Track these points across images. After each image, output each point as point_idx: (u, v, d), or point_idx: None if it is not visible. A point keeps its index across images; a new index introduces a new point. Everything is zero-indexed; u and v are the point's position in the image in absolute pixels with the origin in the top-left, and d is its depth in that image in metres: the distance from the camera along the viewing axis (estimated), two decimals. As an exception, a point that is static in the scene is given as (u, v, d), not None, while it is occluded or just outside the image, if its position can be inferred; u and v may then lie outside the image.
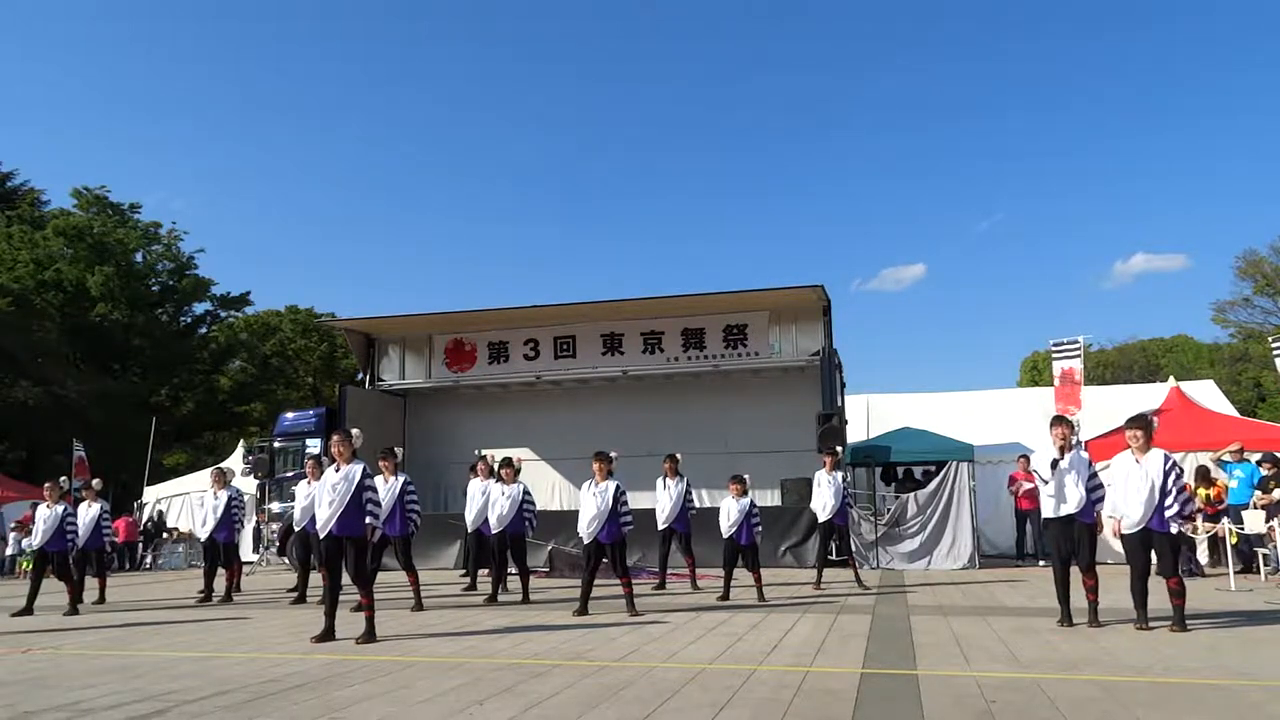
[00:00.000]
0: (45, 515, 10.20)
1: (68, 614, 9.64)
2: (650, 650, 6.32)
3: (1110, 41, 77.71)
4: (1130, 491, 6.84)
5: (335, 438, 7.25)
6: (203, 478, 18.44)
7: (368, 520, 7.03)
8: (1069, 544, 7.13)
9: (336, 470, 7.05)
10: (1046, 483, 7.15)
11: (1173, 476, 6.71)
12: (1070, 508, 7.02)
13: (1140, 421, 7.04)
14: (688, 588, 10.81)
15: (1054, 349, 15.04)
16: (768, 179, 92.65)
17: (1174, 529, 6.74)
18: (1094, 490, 7.03)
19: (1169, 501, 6.69)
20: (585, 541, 8.52)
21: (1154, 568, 6.93)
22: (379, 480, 8.68)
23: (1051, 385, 16.17)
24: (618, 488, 8.46)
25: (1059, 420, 7.26)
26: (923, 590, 10.22)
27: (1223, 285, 76.67)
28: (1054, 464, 7.07)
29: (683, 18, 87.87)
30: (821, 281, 14.95)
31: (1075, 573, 7.17)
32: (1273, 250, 38.88)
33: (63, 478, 11.22)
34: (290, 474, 16.21)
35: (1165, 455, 6.84)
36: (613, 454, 8.78)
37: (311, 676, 5.57)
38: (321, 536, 7.09)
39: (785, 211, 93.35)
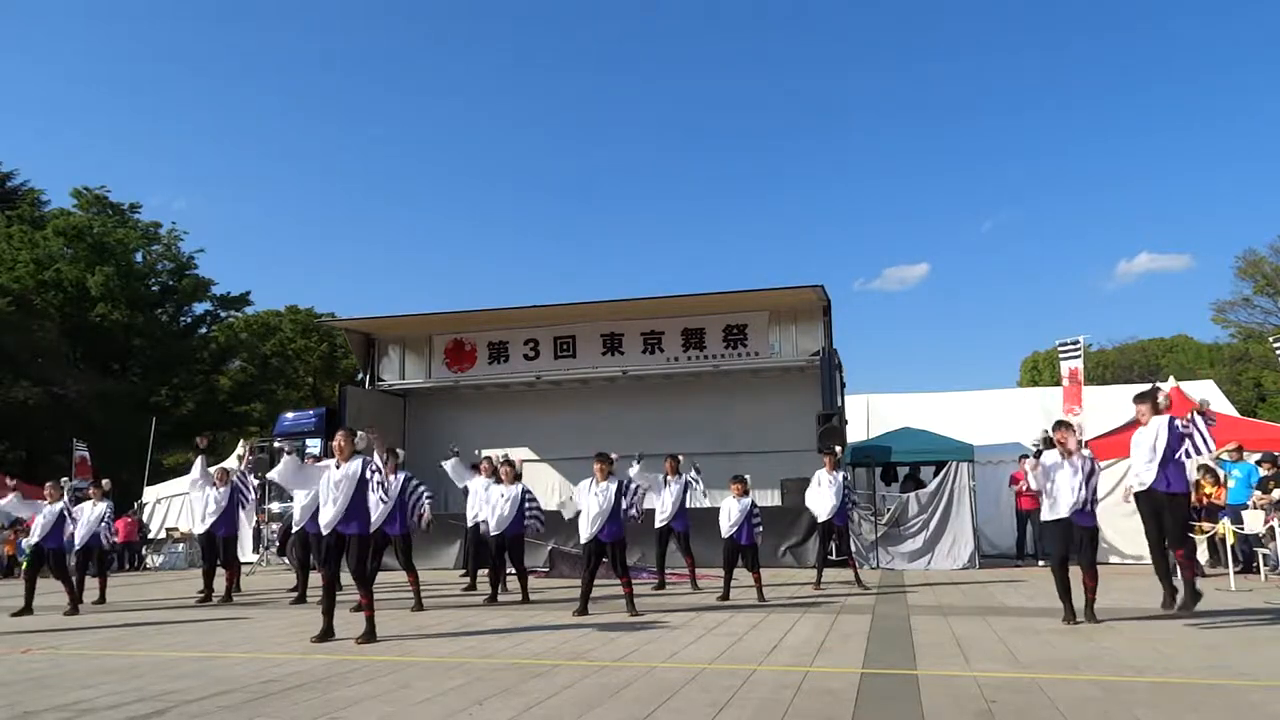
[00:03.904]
0: (44, 514, 10.18)
1: (68, 614, 9.64)
2: (650, 650, 6.32)
3: (1114, 41, 77.77)
4: (1138, 455, 7.25)
5: (339, 433, 7.23)
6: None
7: (377, 500, 7.11)
8: (1067, 544, 7.20)
9: (338, 468, 7.03)
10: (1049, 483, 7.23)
11: (1178, 437, 7.05)
12: (1063, 511, 7.09)
13: (1144, 397, 7.43)
14: (688, 588, 10.82)
15: (1060, 349, 15.10)
16: (769, 178, 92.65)
17: (1192, 458, 7.18)
18: (1094, 492, 7.12)
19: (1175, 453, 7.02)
20: (585, 541, 8.53)
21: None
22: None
23: (1052, 385, 16.21)
24: (620, 483, 8.50)
25: (1061, 424, 7.49)
26: (923, 590, 10.21)
27: (1223, 285, 76.68)
28: (1037, 454, 7.41)
29: (683, 17, 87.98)
30: (823, 281, 14.99)
31: (1075, 572, 7.18)
32: (1273, 250, 38.99)
33: (63, 478, 11.18)
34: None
35: (1171, 420, 7.12)
36: (613, 455, 8.80)
37: (311, 676, 5.57)
38: (325, 534, 7.08)
39: (786, 211, 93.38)
